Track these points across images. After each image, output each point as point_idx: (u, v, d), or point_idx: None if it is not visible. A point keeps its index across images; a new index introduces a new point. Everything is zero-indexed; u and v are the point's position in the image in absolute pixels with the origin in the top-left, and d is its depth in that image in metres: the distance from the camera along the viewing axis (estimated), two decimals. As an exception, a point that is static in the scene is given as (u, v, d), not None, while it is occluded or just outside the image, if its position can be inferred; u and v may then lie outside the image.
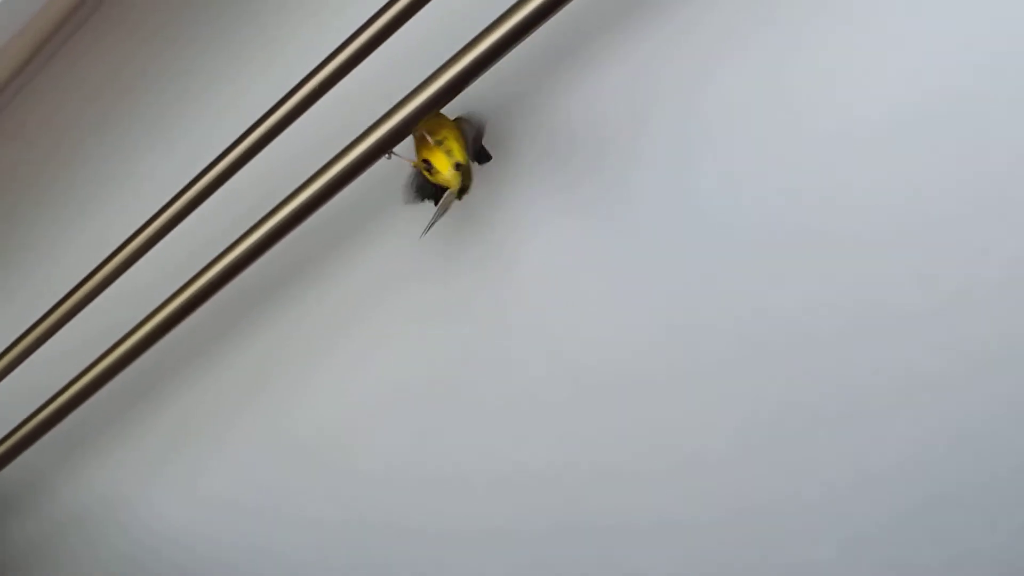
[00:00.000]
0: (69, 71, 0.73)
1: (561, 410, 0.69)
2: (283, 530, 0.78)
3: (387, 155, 0.58)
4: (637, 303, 0.65)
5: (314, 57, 0.60)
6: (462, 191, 0.58)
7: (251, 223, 0.62)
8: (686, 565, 0.68)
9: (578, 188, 0.64)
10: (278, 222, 0.60)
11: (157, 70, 0.72)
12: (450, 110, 0.59)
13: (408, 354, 0.72)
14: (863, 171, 0.59)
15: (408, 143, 0.59)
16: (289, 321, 0.74)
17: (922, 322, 0.60)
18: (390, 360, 0.72)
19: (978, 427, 0.60)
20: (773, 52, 0.59)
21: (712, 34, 0.60)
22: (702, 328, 0.64)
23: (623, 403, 0.67)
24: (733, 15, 0.59)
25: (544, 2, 0.53)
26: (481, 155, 0.62)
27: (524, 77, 0.63)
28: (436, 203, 0.61)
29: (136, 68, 0.72)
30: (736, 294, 0.63)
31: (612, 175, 0.64)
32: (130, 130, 0.74)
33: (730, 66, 0.60)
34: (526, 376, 0.69)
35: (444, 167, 0.57)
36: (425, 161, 0.58)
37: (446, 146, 0.57)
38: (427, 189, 0.62)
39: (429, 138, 0.58)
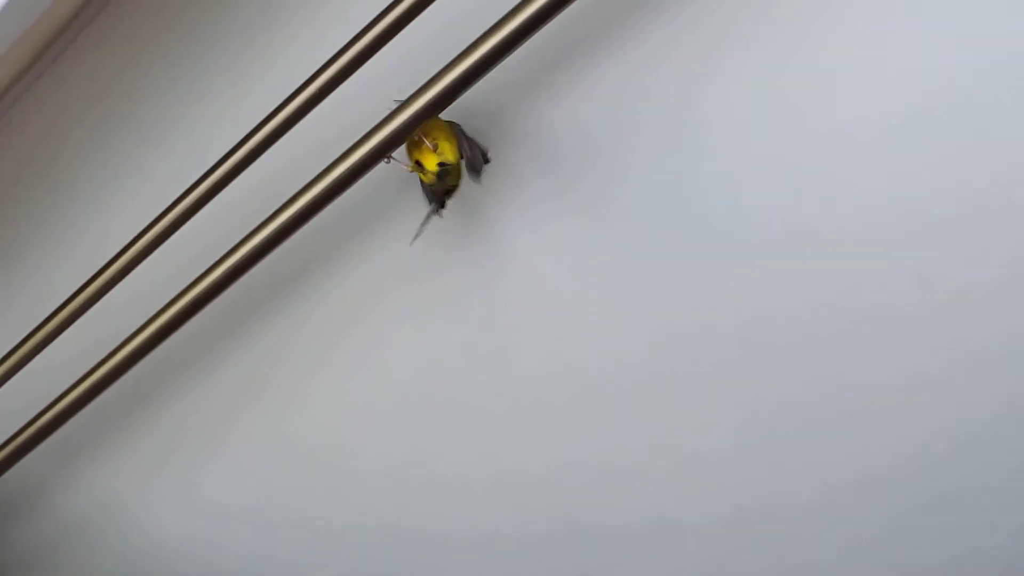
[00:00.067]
0: (72, 75, 0.73)
1: (561, 412, 0.69)
2: (282, 533, 0.78)
3: (386, 159, 0.58)
4: (637, 304, 0.65)
5: (314, 62, 0.60)
6: (450, 190, 0.60)
7: (249, 229, 0.62)
8: (686, 566, 0.69)
9: (578, 190, 0.64)
10: (276, 227, 0.60)
11: (159, 74, 0.72)
12: (451, 113, 0.59)
13: (407, 357, 0.72)
14: (863, 172, 0.59)
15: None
16: (288, 324, 0.74)
17: (922, 322, 0.60)
18: (389, 363, 0.72)
19: (978, 427, 0.60)
20: (773, 53, 0.59)
21: (712, 35, 0.59)
22: (702, 329, 0.64)
23: (623, 404, 0.67)
24: (733, 16, 0.59)
25: (544, 5, 0.53)
26: (476, 163, 0.63)
27: (523, 79, 0.63)
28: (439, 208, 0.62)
29: (138, 73, 0.72)
30: (736, 295, 0.63)
31: (612, 176, 0.64)
32: (131, 133, 0.74)
33: (730, 67, 0.60)
34: (526, 378, 0.69)
35: (432, 166, 0.58)
36: (417, 162, 0.59)
37: (439, 148, 0.58)
38: (437, 194, 0.62)
39: (424, 140, 0.58)
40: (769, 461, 0.65)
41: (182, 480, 0.80)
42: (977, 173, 0.57)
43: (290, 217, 0.60)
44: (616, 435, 0.68)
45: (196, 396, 0.77)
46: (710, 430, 0.66)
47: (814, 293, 0.61)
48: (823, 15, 0.57)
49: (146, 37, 0.71)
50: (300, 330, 0.74)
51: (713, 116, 0.61)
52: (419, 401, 0.72)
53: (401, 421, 0.73)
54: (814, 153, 0.59)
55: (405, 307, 0.71)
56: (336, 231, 0.70)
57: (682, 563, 0.69)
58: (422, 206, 0.63)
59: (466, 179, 0.63)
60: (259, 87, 0.68)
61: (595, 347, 0.67)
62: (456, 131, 0.61)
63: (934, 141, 0.57)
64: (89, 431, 0.80)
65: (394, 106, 0.60)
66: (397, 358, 0.72)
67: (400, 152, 0.60)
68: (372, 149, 0.57)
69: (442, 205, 0.62)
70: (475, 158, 0.62)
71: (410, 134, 0.58)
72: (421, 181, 0.62)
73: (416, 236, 0.60)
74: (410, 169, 0.60)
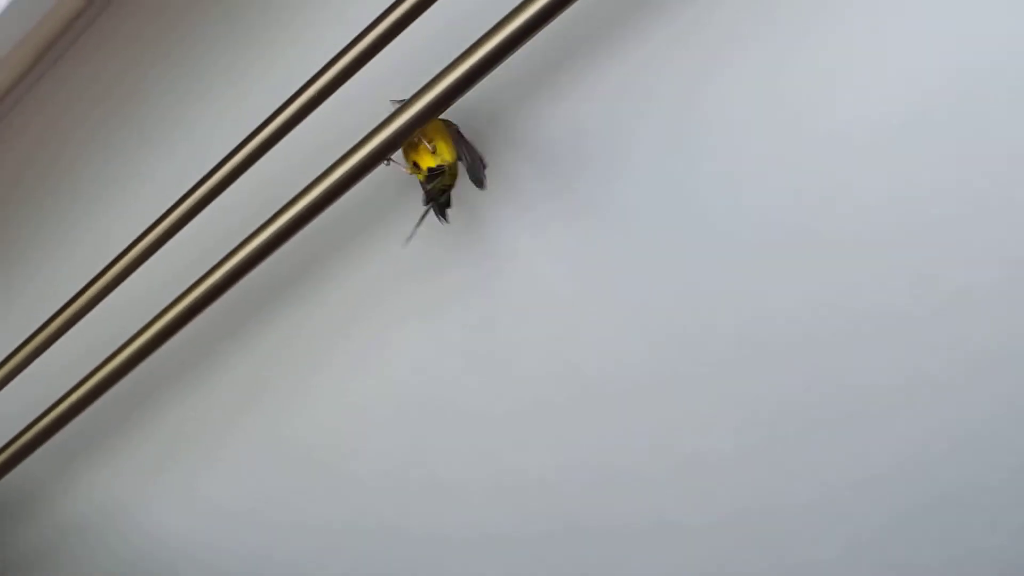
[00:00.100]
0: (72, 76, 0.73)
1: (560, 412, 0.69)
2: (282, 535, 0.78)
3: (385, 161, 0.59)
4: (637, 304, 0.65)
5: (315, 62, 0.60)
6: (445, 190, 0.60)
7: (249, 231, 0.62)
8: (686, 566, 0.69)
9: (578, 190, 0.64)
10: (276, 230, 0.60)
11: (159, 75, 0.71)
12: (449, 114, 0.59)
13: (407, 358, 0.72)
14: (863, 172, 0.59)
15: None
16: (288, 326, 0.74)
17: (922, 322, 0.60)
18: (389, 364, 0.72)
19: (978, 427, 0.60)
20: (773, 53, 0.59)
21: (713, 35, 0.59)
22: (702, 329, 0.64)
23: (623, 404, 0.67)
24: (734, 16, 0.59)
25: (546, 5, 0.53)
26: (477, 170, 0.63)
27: (523, 79, 0.63)
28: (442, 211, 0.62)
29: (139, 74, 0.72)
30: (736, 295, 0.63)
31: (612, 176, 0.63)
32: (132, 134, 0.74)
33: (730, 67, 0.59)
34: (525, 378, 0.69)
35: (427, 165, 0.59)
36: (414, 163, 0.59)
37: (436, 148, 0.59)
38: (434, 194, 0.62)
39: (424, 142, 0.59)
40: (769, 461, 0.65)
41: (182, 482, 0.79)
42: (977, 173, 0.57)
43: (291, 219, 0.60)
44: (616, 435, 0.68)
45: (197, 397, 0.77)
46: (710, 430, 0.66)
47: (814, 293, 0.61)
48: (823, 15, 0.57)
49: (148, 38, 0.71)
50: (300, 331, 0.74)
51: (713, 116, 0.61)
52: (419, 402, 0.72)
53: (401, 422, 0.73)
54: (814, 153, 0.59)
55: (405, 308, 0.71)
56: (336, 233, 0.70)
57: (682, 563, 0.69)
58: (422, 208, 0.63)
59: (465, 180, 0.63)
60: (259, 88, 0.68)
61: (595, 347, 0.67)
62: (452, 130, 0.61)
63: (934, 141, 0.57)
64: (89, 433, 0.80)
65: (392, 106, 0.60)
66: (397, 359, 0.72)
67: (398, 154, 0.60)
68: (373, 151, 0.57)
69: (447, 205, 0.62)
70: (475, 164, 0.62)
71: (410, 136, 0.58)
72: (420, 182, 0.62)
73: (410, 237, 0.60)
74: (409, 171, 0.60)
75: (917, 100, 0.57)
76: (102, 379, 0.67)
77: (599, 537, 0.70)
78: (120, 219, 0.74)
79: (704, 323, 0.64)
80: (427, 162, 0.59)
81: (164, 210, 0.65)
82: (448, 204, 0.62)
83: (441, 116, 0.59)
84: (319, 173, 0.59)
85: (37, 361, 0.71)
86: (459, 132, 0.62)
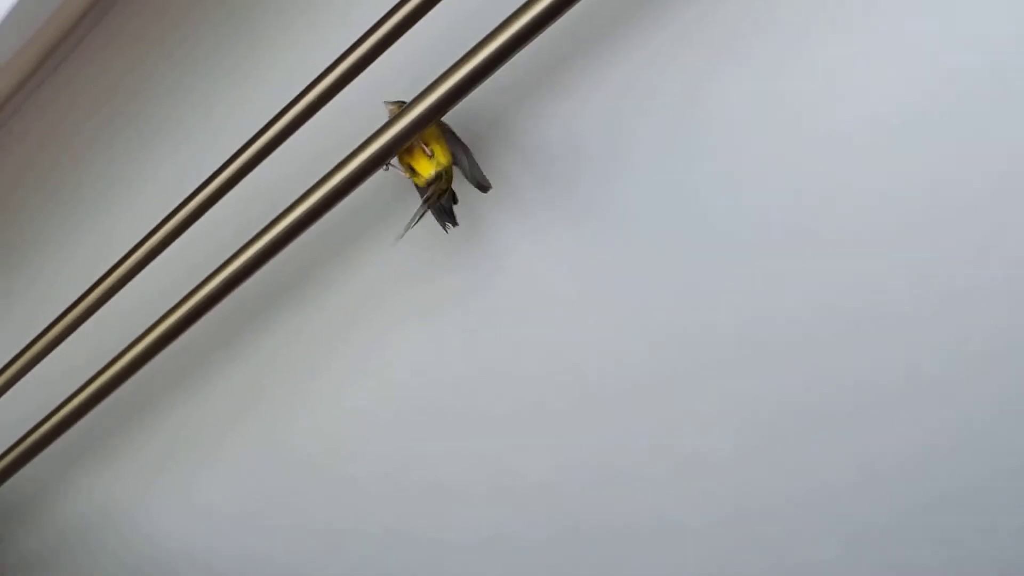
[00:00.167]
0: (73, 81, 0.73)
1: (560, 413, 0.69)
2: (282, 538, 0.78)
3: (384, 167, 0.59)
4: (637, 305, 0.65)
5: (317, 64, 0.60)
6: (442, 192, 0.60)
7: (248, 237, 0.62)
8: (686, 566, 0.69)
9: (578, 191, 0.64)
10: (276, 235, 0.60)
11: (162, 77, 0.71)
12: (448, 117, 0.59)
13: (407, 362, 0.72)
14: (863, 171, 0.59)
15: None
16: (287, 330, 0.74)
17: (922, 322, 0.60)
18: (388, 368, 0.72)
19: (978, 427, 0.60)
20: (773, 53, 0.58)
21: (713, 36, 0.59)
22: (702, 329, 0.64)
23: (623, 405, 0.67)
24: (734, 17, 0.59)
25: (548, 6, 0.53)
26: (479, 175, 0.63)
27: (524, 81, 0.63)
28: (445, 216, 0.62)
29: (141, 76, 0.72)
30: (736, 295, 0.63)
31: (612, 176, 0.63)
32: (133, 137, 0.74)
33: (730, 67, 0.59)
34: (525, 380, 0.69)
35: (424, 170, 0.59)
36: (409, 166, 0.59)
37: (433, 152, 0.59)
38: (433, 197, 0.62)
39: (422, 146, 0.59)
40: (769, 461, 0.65)
41: (182, 485, 0.79)
42: (977, 173, 0.57)
43: (291, 223, 0.60)
44: (616, 435, 0.68)
45: (197, 401, 0.77)
46: (710, 430, 0.66)
47: (814, 293, 0.61)
48: (823, 15, 0.57)
49: (148, 41, 0.71)
50: (299, 336, 0.73)
51: (713, 116, 0.60)
52: (419, 405, 0.72)
53: (401, 425, 0.73)
54: (814, 153, 0.59)
55: (404, 311, 0.71)
56: (336, 237, 0.70)
57: (682, 563, 0.69)
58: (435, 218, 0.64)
59: (464, 180, 0.63)
60: (261, 89, 0.68)
61: (595, 348, 0.67)
62: (444, 130, 0.61)
63: (934, 141, 0.57)
64: (90, 436, 0.80)
65: (385, 107, 0.60)
66: (397, 362, 0.72)
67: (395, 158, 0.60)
68: (372, 155, 0.57)
69: (454, 201, 0.62)
70: (474, 166, 0.62)
71: (409, 141, 0.58)
72: (416, 186, 0.62)
73: (401, 235, 0.60)
74: (407, 175, 0.60)
75: (917, 100, 0.57)
76: (104, 383, 0.67)
77: (599, 537, 0.70)
78: (120, 224, 0.74)
79: (704, 323, 0.64)
80: (424, 167, 0.59)
81: (165, 215, 0.65)
82: (455, 200, 0.62)
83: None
84: (319, 178, 0.59)
85: (39, 366, 0.71)
86: (450, 130, 0.62)
